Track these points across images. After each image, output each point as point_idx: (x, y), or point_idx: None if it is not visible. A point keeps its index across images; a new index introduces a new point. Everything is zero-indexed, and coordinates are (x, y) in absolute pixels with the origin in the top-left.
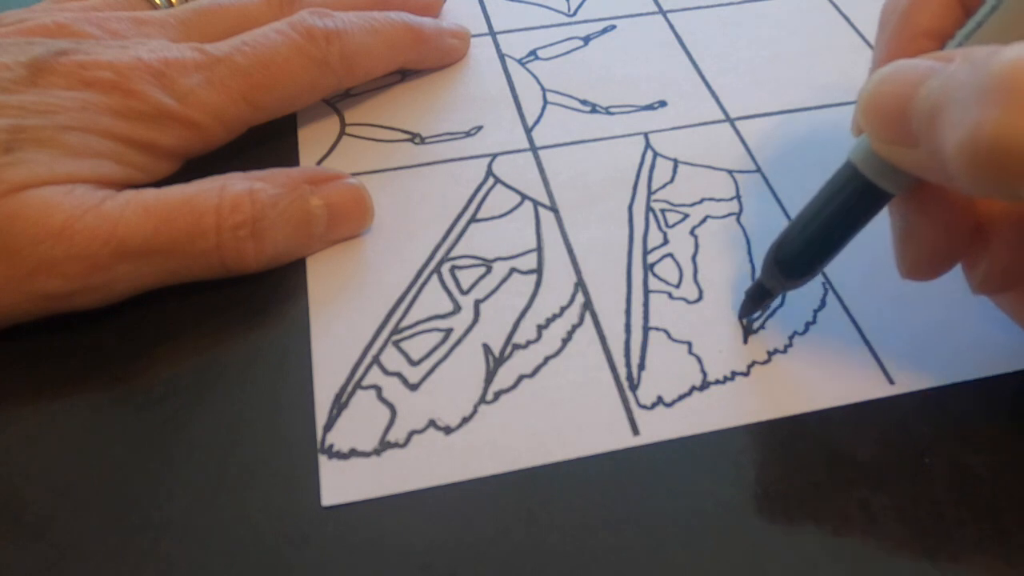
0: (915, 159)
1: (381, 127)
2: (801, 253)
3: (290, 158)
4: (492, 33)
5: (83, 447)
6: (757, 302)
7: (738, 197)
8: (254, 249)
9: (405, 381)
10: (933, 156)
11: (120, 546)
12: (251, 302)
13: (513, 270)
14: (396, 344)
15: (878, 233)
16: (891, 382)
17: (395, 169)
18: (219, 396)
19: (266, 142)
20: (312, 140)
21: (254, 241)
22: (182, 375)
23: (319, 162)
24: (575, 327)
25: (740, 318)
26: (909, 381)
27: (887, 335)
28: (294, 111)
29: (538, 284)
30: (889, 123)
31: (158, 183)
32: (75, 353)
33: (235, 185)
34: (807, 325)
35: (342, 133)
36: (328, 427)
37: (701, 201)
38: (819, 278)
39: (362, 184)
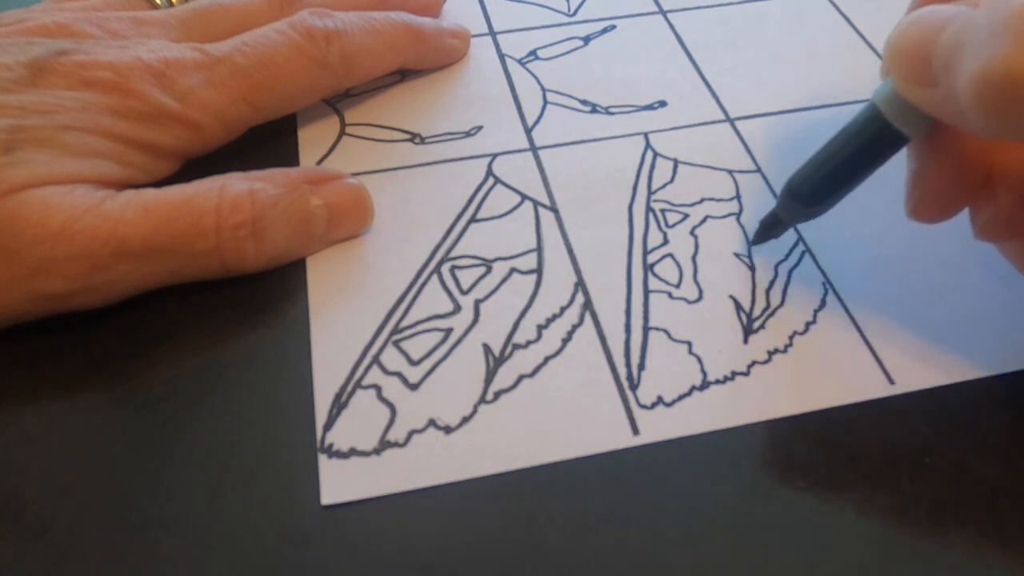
0: (933, 99)
1: (381, 127)
2: (816, 186)
3: (290, 158)
4: (492, 33)
5: (83, 447)
6: (770, 231)
7: (738, 197)
8: (254, 249)
9: (405, 381)
10: (949, 95)
11: (120, 546)
12: (251, 302)
13: (513, 270)
14: (396, 344)
15: (878, 235)
16: (891, 382)
17: (395, 169)
18: (219, 396)
19: (266, 142)
20: (312, 140)
21: (254, 241)
22: (182, 375)
23: (319, 162)
24: (575, 327)
25: (752, 245)
26: (910, 381)
27: (888, 335)
28: (294, 111)
29: (538, 284)
30: (913, 64)
31: (158, 183)
32: (75, 353)
33: (235, 185)
34: (807, 325)
35: (342, 133)
36: (328, 426)
37: (701, 201)
38: (819, 277)
39: (362, 184)
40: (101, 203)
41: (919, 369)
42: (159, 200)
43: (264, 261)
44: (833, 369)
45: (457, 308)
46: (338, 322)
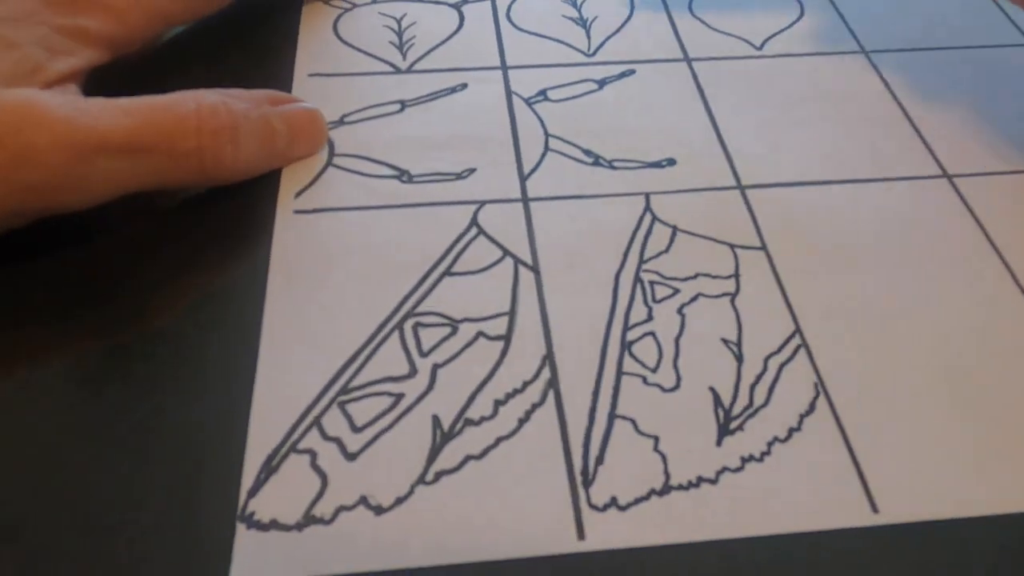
0: None
1: (369, 160)
2: None
3: (271, 184)
4: (504, 67)
5: (53, 450)
6: None
7: (737, 276)
8: (231, 155)
9: (343, 449)
10: None
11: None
12: (199, 350)
13: (480, 334)
14: (341, 406)
15: (876, 317)
16: (875, 510)
17: (377, 208)
18: (156, 449)
19: None
20: (296, 167)
21: (232, 147)
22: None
23: (300, 192)
24: (535, 406)
25: None
26: (896, 511)
27: (878, 455)
28: (211, 11)
29: (504, 353)
30: None
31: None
32: (49, 354)
33: (209, 96)
34: (790, 431)
35: (329, 163)
36: (253, 492)
37: (696, 276)
38: (812, 377)
39: (317, 108)
40: (76, 99)
41: (909, 499)
42: (136, 102)
43: (239, 170)
44: (811, 487)
45: (413, 371)
46: (285, 378)
